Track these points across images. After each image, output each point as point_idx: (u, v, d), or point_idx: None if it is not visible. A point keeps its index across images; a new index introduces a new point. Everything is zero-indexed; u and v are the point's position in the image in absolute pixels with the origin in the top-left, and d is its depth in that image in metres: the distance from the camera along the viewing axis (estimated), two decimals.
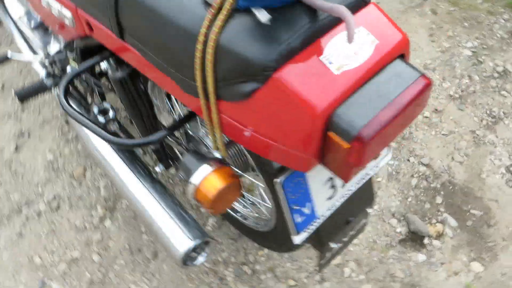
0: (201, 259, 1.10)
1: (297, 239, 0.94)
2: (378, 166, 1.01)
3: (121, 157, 1.18)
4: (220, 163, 0.93)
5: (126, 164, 1.17)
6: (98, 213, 1.65)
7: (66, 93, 1.02)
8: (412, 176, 1.74)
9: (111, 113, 1.17)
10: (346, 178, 0.73)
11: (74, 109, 1.01)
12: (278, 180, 0.88)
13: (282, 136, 0.72)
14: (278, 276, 1.49)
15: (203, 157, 0.94)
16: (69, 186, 1.72)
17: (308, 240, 1.00)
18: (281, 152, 0.73)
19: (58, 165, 1.78)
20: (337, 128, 0.67)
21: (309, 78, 0.66)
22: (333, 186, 0.95)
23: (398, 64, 0.72)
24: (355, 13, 0.74)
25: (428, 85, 0.71)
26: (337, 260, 1.52)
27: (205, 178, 0.88)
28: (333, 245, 1.04)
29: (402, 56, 0.75)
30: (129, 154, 1.18)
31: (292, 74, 0.66)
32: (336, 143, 0.67)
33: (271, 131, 0.72)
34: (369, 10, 0.75)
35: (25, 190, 1.72)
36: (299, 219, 0.93)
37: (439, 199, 1.67)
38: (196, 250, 1.09)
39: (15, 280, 1.51)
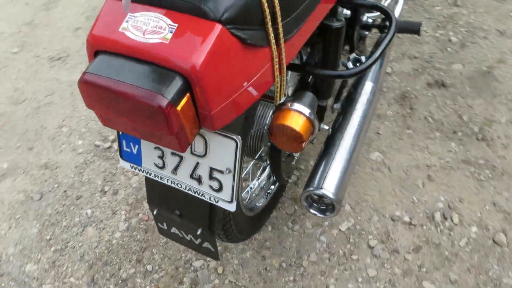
0: None
1: (121, 162, 1.04)
2: (219, 197, 0.97)
3: None
4: None
5: None
6: None
7: None
8: None
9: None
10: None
11: None
12: None
13: None
14: None
15: None
16: None
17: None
18: None
19: None
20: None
21: (108, 18, 0.78)
22: (162, 159, 0.98)
23: (168, 74, 0.72)
24: (196, 17, 0.74)
25: (158, 108, 0.69)
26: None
27: None
28: (155, 211, 1.11)
29: (186, 78, 0.73)
30: None
31: (110, 5, 0.79)
32: None
33: None
34: (207, 27, 0.72)
35: None
36: (125, 148, 1.01)
37: None
38: None
39: None
